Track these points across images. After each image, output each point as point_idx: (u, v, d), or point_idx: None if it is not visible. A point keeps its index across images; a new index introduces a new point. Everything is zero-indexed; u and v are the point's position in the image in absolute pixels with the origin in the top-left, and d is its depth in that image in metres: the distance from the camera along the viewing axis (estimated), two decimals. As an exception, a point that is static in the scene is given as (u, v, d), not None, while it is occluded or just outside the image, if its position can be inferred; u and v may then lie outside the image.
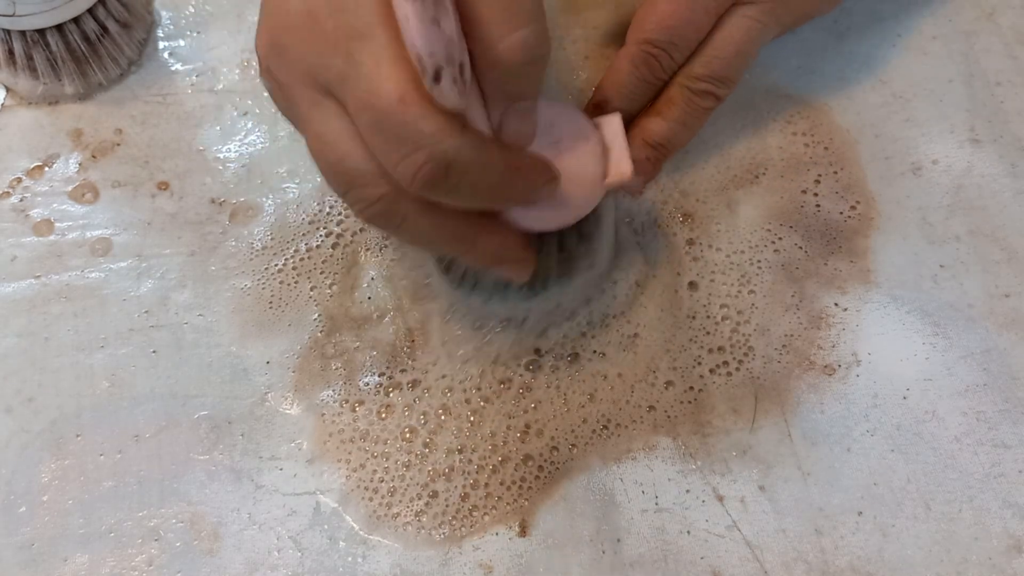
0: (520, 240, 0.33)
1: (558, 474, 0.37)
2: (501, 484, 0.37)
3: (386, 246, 0.42)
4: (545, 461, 0.38)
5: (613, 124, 0.34)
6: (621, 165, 0.34)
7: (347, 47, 0.27)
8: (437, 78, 0.25)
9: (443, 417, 0.39)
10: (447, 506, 0.37)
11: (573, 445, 0.38)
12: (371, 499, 0.37)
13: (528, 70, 0.29)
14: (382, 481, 0.38)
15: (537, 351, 0.40)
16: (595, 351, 0.39)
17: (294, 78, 0.29)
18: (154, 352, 0.40)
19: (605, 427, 0.38)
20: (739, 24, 0.39)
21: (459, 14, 0.26)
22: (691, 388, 0.39)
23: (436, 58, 0.25)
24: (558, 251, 0.36)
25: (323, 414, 0.39)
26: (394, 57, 0.26)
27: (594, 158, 0.33)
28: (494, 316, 0.39)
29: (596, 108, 0.41)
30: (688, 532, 0.36)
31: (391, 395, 0.39)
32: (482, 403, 0.39)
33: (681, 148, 0.42)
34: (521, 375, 0.39)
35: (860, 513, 0.36)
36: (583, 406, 0.39)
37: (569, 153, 0.33)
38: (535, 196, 0.32)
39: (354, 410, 0.39)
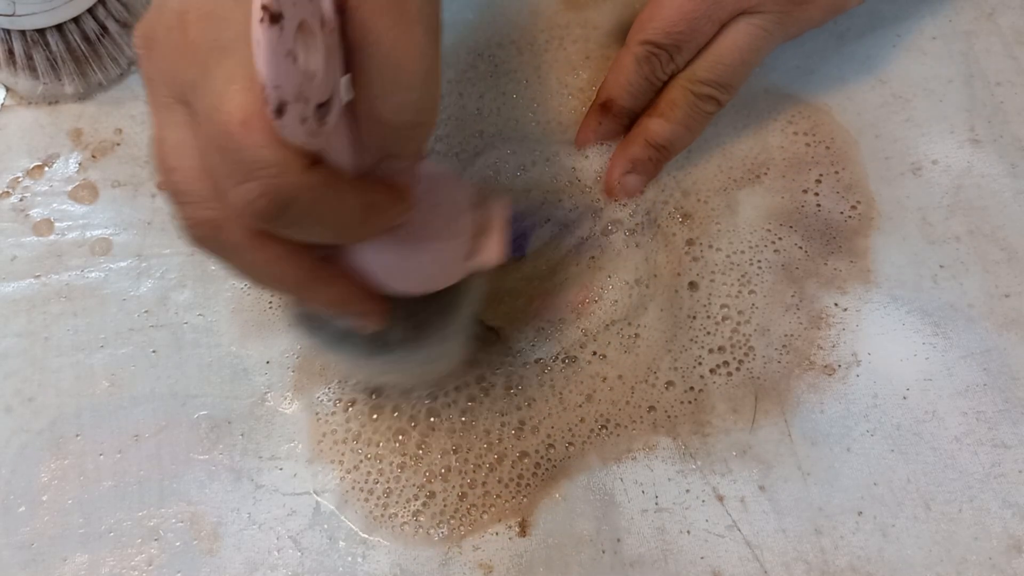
0: (365, 292, 0.30)
1: (556, 472, 0.37)
2: (499, 482, 0.37)
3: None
4: (542, 458, 0.38)
5: (498, 206, 0.32)
6: (492, 250, 0.32)
7: (206, 57, 0.25)
8: (280, 112, 0.23)
9: (432, 419, 0.38)
10: (445, 505, 0.37)
11: (570, 443, 0.38)
12: (367, 500, 0.37)
13: (407, 134, 0.27)
14: (376, 483, 0.38)
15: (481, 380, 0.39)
16: (594, 352, 0.39)
17: (155, 76, 0.27)
18: (154, 352, 0.40)
19: (604, 427, 0.38)
20: (745, 31, 0.40)
21: (349, 55, 0.25)
22: (691, 388, 0.39)
23: (281, 92, 0.23)
24: (411, 315, 0.33)
25: (317, 413, 0.39)
26: (249, 78, 0.24)
27: (466, 234, 0.31)
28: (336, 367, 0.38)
29: (601, 108, 0.42)
30: (688, 532, 0.36)
31: (381, 397, 0.39)
32: (470, 403, 0.39)
33: (683, 150, 0.42)
34: (505, 378, 0.39)
35: (860, 513, 0.36)
36: (580, 406, 0.38)
37: (441, 221, 0.31)
38: (386, 229, 0.29)
39: (347, 410, 0.39)
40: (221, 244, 0.27)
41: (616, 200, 0.42)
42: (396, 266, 0.30)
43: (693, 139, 0.42)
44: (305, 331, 0.34)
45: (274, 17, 0.22)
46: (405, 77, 0.26)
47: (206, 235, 0.27)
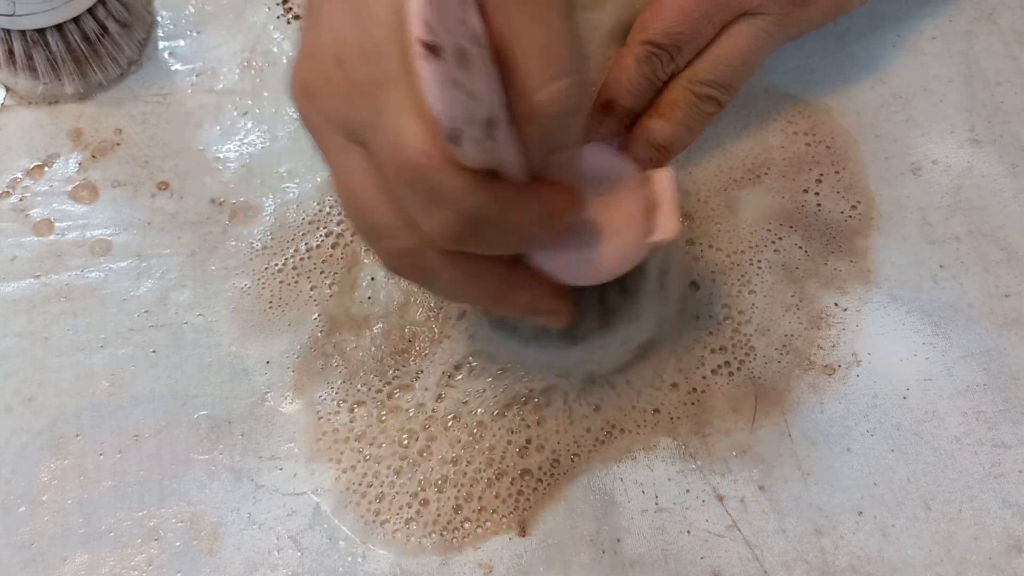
0: (554, 291, 0.32)
1: (556, 484, 0.37)
2: (496, 497, 0.37)
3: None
4: (544, 474, 0.37)
5: (663, 178, 0.32)
6: (668, 223, 0.31)
7: (373, 95, 0.26)
8: (456, 140, 0.24)
9: (446, 425, 0.38)
10: (438, 516, 0.37)
11: (575, 455, 0.38)
12: (358, 503, 0.37)
13: (566, 121, 0.27)
14: (370, 486, 0.37)
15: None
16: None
17: (324, 123, 0.29)
18: (154, 352, 0.40)
19: (609, 432, 0.38)
20: (745, 33, 0.40)
21: (497, 62, 0.25)
22: (694, 389, 0.39)
23: (453, 121, 0.24)
24: (598, 303, 0.35)
25: (318, 411, 0.39)
26: (419, 108, 0.25)
27: (639, 214, 0.32)
28: (535, 364, 0.38)
29: (603, 108, 0.42)
30: (688, 532, 0.36)
31: (394, 397, 0.39)
32: (483, 413, 0.38)
33: (683, 151, 0.42)
34: (531, 391, 0.39)
35: (860, 513, 0.36)
36: (587, 416, 0.38)
37: (613, 207, 0.31)
38: (565, 229, 0.30)
39: (352, 411, 0.39)
40: (421, 269, 0.29)
41: None
42: (578, 261, 0.31)
43: (693, 139, 0.42)
44: (505, 334, 0.37)
45: (434, 49, 0.22)
46: (555, 64, 0.26)
47: (408, 264, 0.29)
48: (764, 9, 0.39)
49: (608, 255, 0.31)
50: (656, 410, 0.38)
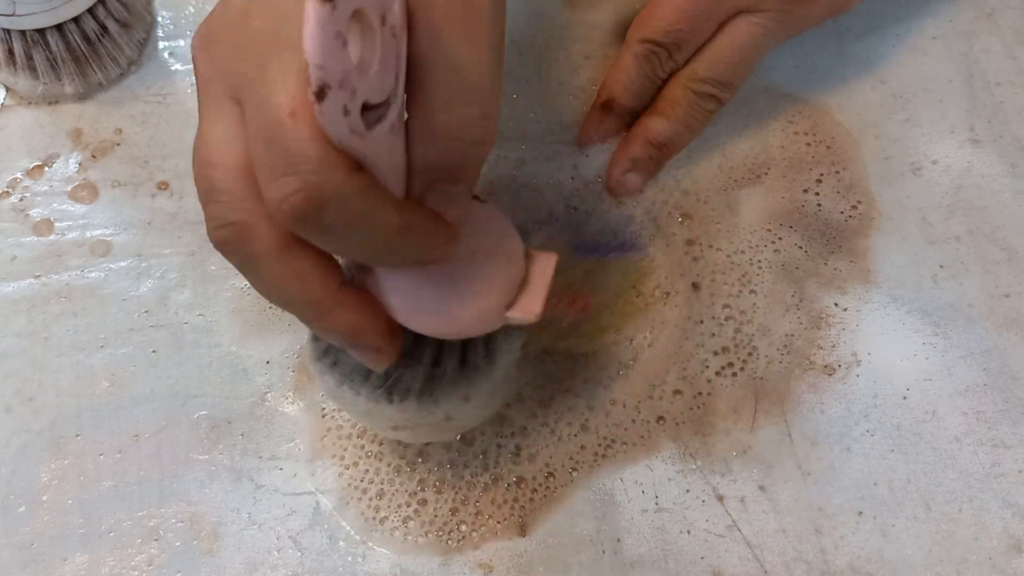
0: (384, 325, 0.28)
1: (557, 493, 0.37)
2: (492, 503, 0.37)
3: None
4: (539, 485, 0.37)
5: (546, 261, 0.30)
6: (533, 305, 0.29)
7: (265, 52, 0.24)
8: (320, 95, 0.22)
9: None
10: (435, 516, 0.37)
11: (574, 469, 0.38)
12: (359, 499, 0.37)
13: (466, 152, 0.26)
14: (372, 482, 0.37)
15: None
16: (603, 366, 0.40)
17: (211, 72, 0.27)
18: (154, 352, 0.40)
19: (610, 446, 0.38)
20: (745, 30, 0.40)
21: (411, 70, 0.24)
22: (699, 393, 0.39)
23: (324, 73, 0.22)
24: (430, 365, 0.31)
25: (323, 408, 0.39)
26: (302, 72, 0.23)
27: (507, 283, 0.29)
28: (346, 408, 0.34)
29: (603, 107, 0.42)
30: (688, 532, 0.36)
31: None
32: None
33: (683, 149, 0.42)
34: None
35: (860, 513, 0.36)
36: (575, 435, 0.38)
37: (482, 264, 0.29)
38: (426, 261, 0.27)
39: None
40: (246, 251, 0.26)
41: (617, 198, 0.42)
42: (426, 303, 0.28)
43: (693, 138, 0.42)
44: (323, 368, 0.32)
45: None
46: (471, 90, 0.25)
47: (232, 238, 0.26)
48: (763, 6, 0.39)
49: (461, 311, 0.29)
50: (660, 418, 0.38)
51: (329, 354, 0.32)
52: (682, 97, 0.40)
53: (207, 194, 0.26)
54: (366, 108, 0.23)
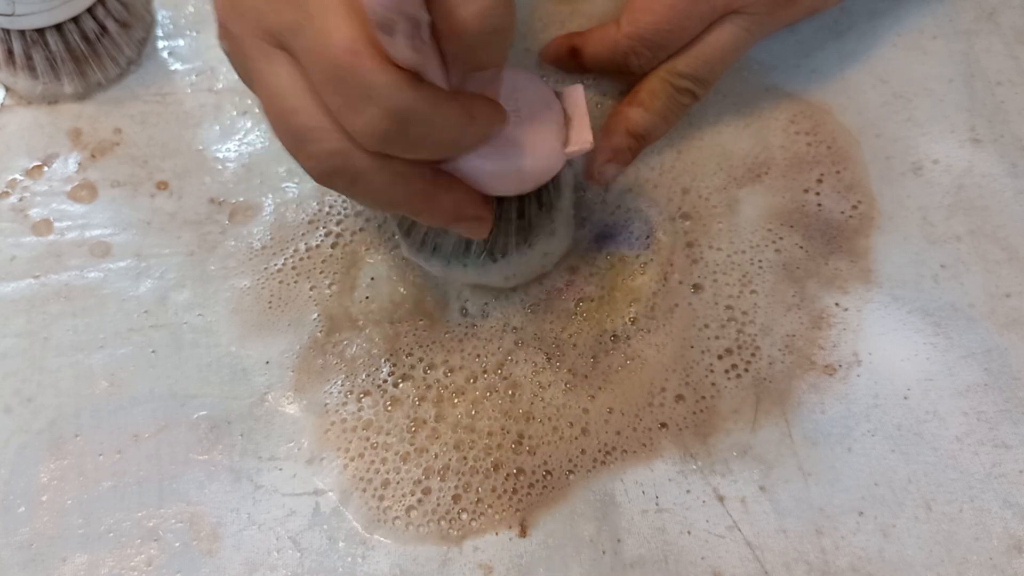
0: (477, 197, 0.33)
1: (554, 493, 0.37)
2: (492, 491, 0.37)
3: (377, 244, 0.42)
4: (536, 481, 0.37)
5: (575, 94, 0.34)
6: (582, 134, 0.34)
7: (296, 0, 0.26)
8: (389, 31, 0.25)
9: (452, 403, 0.38)
10: (438, 505, 0.37)
11: (570, 472, 0.38)
12: (364, 490, 0.37)
13: (488, 40, 0.28)
14: (377, 472, 0.37)
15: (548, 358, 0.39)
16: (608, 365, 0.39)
17: (247, 31, 0.29)
18: (153, 352, 0.40)
19: (609, 453, 0.38)
20: (729, 31, 0.40)
21: None
22: (703, 397, 0.39)
23: (388, 10, 0.24)
24: (517, 218, 0.36)
25: (325, 404, 0.39)
26: (347, 8, 0.25)
27: (555, 126, 0.34)
28: (460, 283, 0.40)
29: (571, 53, 0.43)
30: (689, 532, 0.36)
31: (399, 387, 0.39)
32: (477, 394, 0.39)
33: (658, 140, 0.43)
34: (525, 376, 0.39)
35: (861, 513, 0.36)
36: (576, 438, 0.38)
37: (530, 121, 0.33)
38: (490, 138, 0.31)
39: (359, 400, 0.39)
40: (349, 173, 0.29)
41: (597, 185, 0.43)
42: (501, 170, 0.32)
43: (668, 129, 0.43)
44: (427, 256, 0.38)
45: None
46: None
47: (336, 167, 0.28)
48: (751, 8, 0.40)
49: (529, 165, 0.33)
50: (663, 424, 0.38)
51: (426, 244, 0.38)
52: (661, 90, 0.41)
53: (299, 137, 0.28)
54: (415, 25, 0.26)
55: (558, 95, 0.34)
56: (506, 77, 0.32)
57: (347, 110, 0.26)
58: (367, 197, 0.31)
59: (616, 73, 0.43)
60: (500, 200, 0.35)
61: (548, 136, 0.33)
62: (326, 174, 0.29)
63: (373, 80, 0.26)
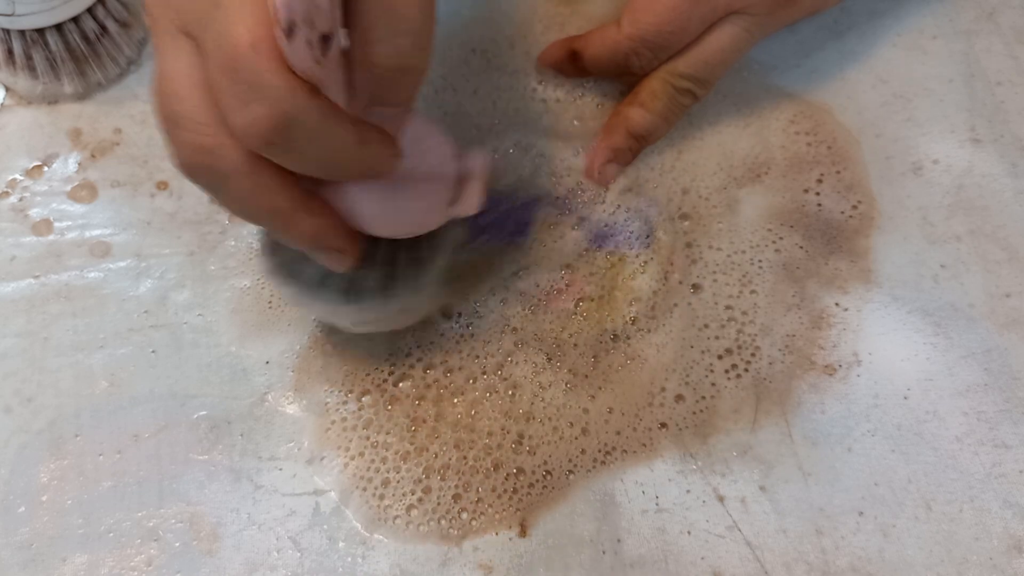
0: (344, 229, 0.31)
1: (554, 493, 0.37)
2: (492, 491, 0.37)
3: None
4: (536, 480, 0.37)
5: (479, 160, 0.34)
6: (472, 199, 0.33)
7: None
8: (290, 33, 0.25)
9: (451, 403, 0.38)
10: (438, 504, 0.37)
11: (570, 472, 0.38)
12: (364, 489, 0.37)
13: (400, 79, 0.28)
14: (377, 471, 0.37)
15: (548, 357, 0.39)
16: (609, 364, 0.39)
17: (163, 14, 0.29)
18: (153, 352, 0.40)
19: (609, 453, 0.38)
20: (729, 32, 0.40)
21: (347, 2, 0.26)
22: (703, 397, 0.39)
23: (291, 12, 0.24)
24: (383, 264, 0.34)
25: (326, 403, 0.39)
26: (258, 4, 0.25)
27: (446, 183, 0.33)
28: (312, 313, 0.39)
29: (570, 56, 0.43)
30: (689, 532, 0.36)
31: (399, 386, 0.39)
32: (477, 394, 0.39)
33: (658, 140, 0.43)
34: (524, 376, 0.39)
35: (861, 513, 0.36)
36: (576, 438, 0.38)
37: (423, 170, 0.32)
38: (377, 171, 0.30)
39: (359, 399, 0.39)
40: (216, 171, 0.28)
41: (598, 186, 0.42)
42: (380, 207, 0.31)
43: (668, 130, 0.43)
44: (281, 280, 0.35)
45: None
46: (402, 23, 0.27)
47: (201, 162, 0.28)
48: (752, 9, 0.40)
49: (412, 211, 0.32)
50: (663, 425, 0.38)
51: (283, 268, 0.35)
52: (662, 90, 0.41)
53: (173, 123, 0.28)
54: (321, 38, 0.26)
55: (462, 156, 0.34)
56: (414, 125, 0.31)
57: (235, 104, 0.26)
58: (230, 202, 0.29)
59: (616, 75, 0.43)
60: (373, 241, 0.32)
61: (436, 189, 0.33)
62: (192, 167, 0.28)
63: (267, 79, 0.25)
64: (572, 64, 0.43)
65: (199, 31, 0.27)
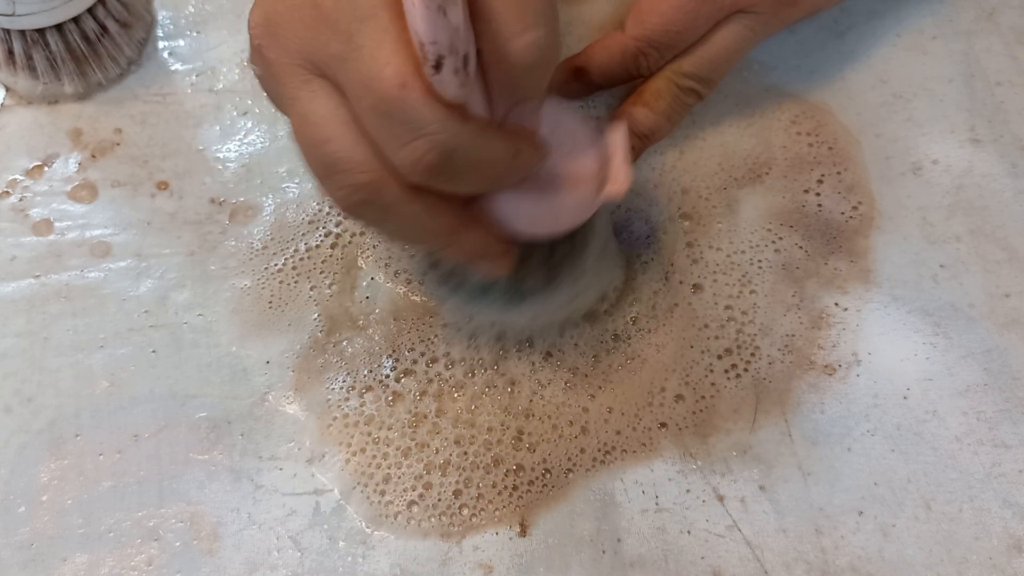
0: (501, 236, 0.32)
1: (554, 492, 0.37)
2: (493, 487, 0.37)
3: (376, 245, 0.42)
4: (536, 478, 0.37)
5: (618, 134, 0.33)
6: (620, 176, 0.32)
7: (348, 28, 0.26)
8: (438, 67, 0.25)
9: (453, 397, 0.38)
10: (439, 500, 0.37)
11: (570, 470, 0.38)
12: (366, 485, 0.37)
13: (536, 72, 0.28)
14: (379, 467, 0.38)
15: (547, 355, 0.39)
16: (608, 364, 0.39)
17: (285, 57, 0.28)
18: (153, 352, 0.40)
19: (609, 452, 0.38)
20: (734, 31, 0.40)
21: (471, 6, 0.26)
22: (703, 397, 0.39)
23: (439, 47, 0.25)
24: (546, 259, 0.35)
25: (328, 400, 0.39)
26: (396, 40, 0.26)
27: (594, 167, 0.32)
28: (481, 320, 0.39)
29: (575, 73, 0.43)
30: (688, 532, 0.36)
31: (400, 382, 0.39)
32: (476, 389, 0.39)
33: (661, 140, 0.43)
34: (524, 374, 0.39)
35: (861, 513, 0.36)
36: (576, 437, 0.38)
37: (569, 160, 0.32)
38: (531, 174, 0.31)
39: (361, 396, 0.39)
40: (380, 205, 0.29)
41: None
42: (535, 208, 0.31)
43: (672, 129, 0.43)
44: (447, 292, 0.38)
45: None
46: (530, 16, 0.27)
47: (365, 199, 0.29)
48: (757, 8, 0.40)
49: (565, 205, 0.32)
50: (663, 424, 0.38)
51: (450, 280, 0.37)
52: (666, 90, 0.41)
53: (329, 169, 0.28)
54: (463, 60, 0.26)
55: (599, 133, 0.33)
56: (548, 110, 0.31)
57: (395, 143, 0.26)
58: (395, 230, 0.31)
59: (625, 81, 0.42)
60: (529, 241, 0.33)
61: (585, 176, 0.32)
62: (355, 205, 0.29)
63: (422, 115, 0.26)
64: (577, 82, 0.43)
65: (336, 72, 0.27)
